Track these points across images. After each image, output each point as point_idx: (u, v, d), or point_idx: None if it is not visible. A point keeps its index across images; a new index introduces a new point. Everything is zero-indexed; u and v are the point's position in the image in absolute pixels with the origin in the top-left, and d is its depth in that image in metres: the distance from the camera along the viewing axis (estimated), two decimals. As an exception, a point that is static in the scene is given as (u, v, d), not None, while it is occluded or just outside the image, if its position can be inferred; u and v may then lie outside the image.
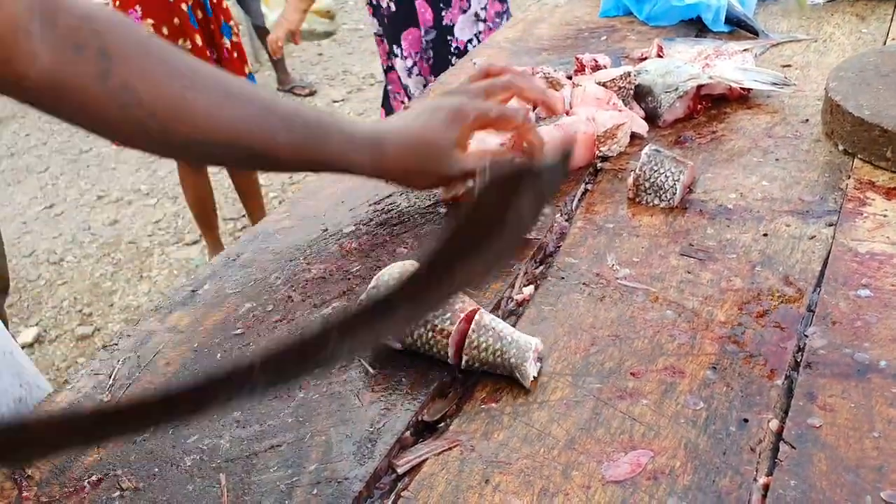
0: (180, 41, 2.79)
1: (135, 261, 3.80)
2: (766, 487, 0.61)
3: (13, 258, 3.80)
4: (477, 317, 0.74)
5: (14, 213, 4.41)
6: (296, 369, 0.51)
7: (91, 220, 4.25)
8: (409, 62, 2.66)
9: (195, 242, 3.80)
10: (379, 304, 0.54)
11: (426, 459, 0.67)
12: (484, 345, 0.73)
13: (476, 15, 2.57)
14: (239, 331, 0.85)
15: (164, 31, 2.75)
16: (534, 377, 0.74)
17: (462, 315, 0.75)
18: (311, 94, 5.24)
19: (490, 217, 0.54)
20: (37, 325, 3.41)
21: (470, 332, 0.74)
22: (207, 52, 2.87)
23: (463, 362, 0.74)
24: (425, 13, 2.55)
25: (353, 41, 6.07)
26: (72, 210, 4.38)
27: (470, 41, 2.58)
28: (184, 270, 3.63)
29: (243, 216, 3.79)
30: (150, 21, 2.73)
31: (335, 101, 5.07)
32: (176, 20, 2.77)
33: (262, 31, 4.90)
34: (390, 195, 1.07)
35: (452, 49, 2.59)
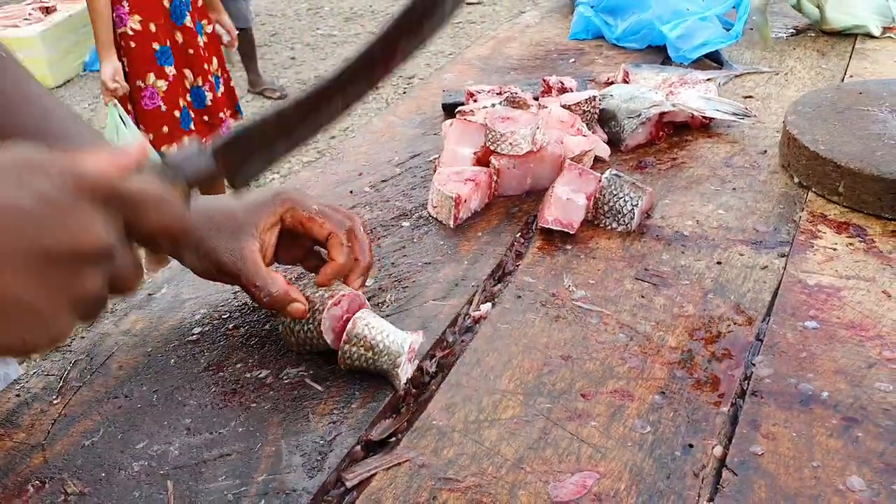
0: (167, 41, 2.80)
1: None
2: (706, 512, 0.63)
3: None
4: (349, 325, 0.76)
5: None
6: None
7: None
8: None
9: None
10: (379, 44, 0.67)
11: (375, 474, 0.68)
12: (356, 355, 0.75)
13: None
14: (194, 337, 0.84)
15: (152, 27, 2.76)
16: (407, 379, 0.76)
17: (338, 309, 0.78)
18: (282, 97, 5.21)
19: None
20: None
21: (342, 344, 0.75)
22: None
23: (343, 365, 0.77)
24: None
25: (328, 47, 6.06)
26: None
27: None
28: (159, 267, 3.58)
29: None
30: (137, 17, 2.73)
31: (305, 106, 5.06)
32: (163, 20, 2.79)
33: (239, 33, 4.90)
34: (354, 206, 1.08)
35: None
